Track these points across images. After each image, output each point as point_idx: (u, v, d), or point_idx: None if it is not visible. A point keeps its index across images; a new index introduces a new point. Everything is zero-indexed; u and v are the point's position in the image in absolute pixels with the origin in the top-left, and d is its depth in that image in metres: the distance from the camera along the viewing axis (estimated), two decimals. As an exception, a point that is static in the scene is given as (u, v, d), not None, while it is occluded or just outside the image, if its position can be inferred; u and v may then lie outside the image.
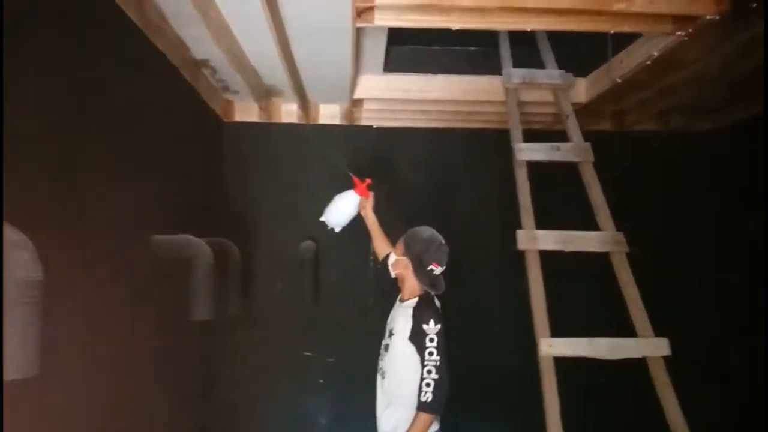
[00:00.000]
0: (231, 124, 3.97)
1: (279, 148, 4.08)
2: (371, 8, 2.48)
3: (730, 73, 3.06)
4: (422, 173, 4.09)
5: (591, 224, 2.97)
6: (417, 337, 2.35)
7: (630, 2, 2.29)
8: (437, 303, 2.53)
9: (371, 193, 2.95)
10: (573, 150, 3.08)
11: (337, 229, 3.02)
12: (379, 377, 2.56)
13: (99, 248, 2.04)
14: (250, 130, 4.00)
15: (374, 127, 4.10)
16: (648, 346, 2.55)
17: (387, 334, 2.55)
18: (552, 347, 2.54)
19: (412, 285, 2.55)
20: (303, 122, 4.06)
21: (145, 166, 2.54)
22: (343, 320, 3.99)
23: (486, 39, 3.48)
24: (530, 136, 3.21)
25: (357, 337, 3.98)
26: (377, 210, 3.00)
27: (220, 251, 3.14)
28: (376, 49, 3.13)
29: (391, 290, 3.95)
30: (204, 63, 3.30)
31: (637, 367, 2.60)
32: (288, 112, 4.07)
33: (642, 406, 2.63)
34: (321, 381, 3.94)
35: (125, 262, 2.28)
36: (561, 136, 3.43)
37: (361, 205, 2.94)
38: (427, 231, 2.58)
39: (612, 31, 2.57)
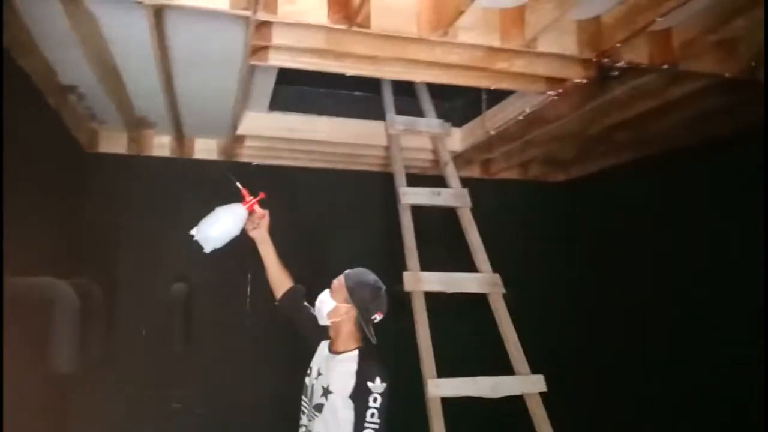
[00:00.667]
0: (96, 156, 3.68)
1: (148, 183, 3.83)
2: (266, 47, 2.46)
3: (586, 131, 3.43)
4: (303, 213, 4.05)
5: (468, 265, 3.15)
6: (359, 395, 2.08)
7: (511, 63, 2.49)
8: None
9: (266, 212, 2.49)
10: (452, 195, 3.25)
11: (208, 249, 2.41)
12: None
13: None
14: (117, 162, 3.73)
15: (253, 164, 4.01)
16: (526, 384, 2.71)
17: (318, 391, 2.22)
18: (439, 388, 2.60)
19: (349, 334, 2.24)
20: (176, 156, 3.87)
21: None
22: (216, 368, 3.77)
23: (369, 85, 3.60)
24: (409, 180, 3.34)
25: (231, 387, 3.80)
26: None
27: (83, 294, 2.85)
28: (263, 86, 3.09)
29: (269, 338, 3.85)
30: (71, 89, 3.05)
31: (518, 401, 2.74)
32: (160, 144, 3.86)
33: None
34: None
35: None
36: (436, 181, 3.62)
37: (250, 224, 2.46)
38: (370, 275, 2.28)
39: (492, 87, 2.77)
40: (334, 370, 2.18)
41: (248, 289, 3.90)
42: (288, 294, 2.48)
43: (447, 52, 2.45)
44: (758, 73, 2.41)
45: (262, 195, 2.49)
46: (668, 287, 3.52)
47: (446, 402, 2.63)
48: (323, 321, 2.27)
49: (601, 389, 3.88)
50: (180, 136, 3.76)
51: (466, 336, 3.62)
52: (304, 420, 2.30)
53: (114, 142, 3.74)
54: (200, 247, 2.43)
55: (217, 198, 3.83)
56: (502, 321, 2.89)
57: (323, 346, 2.34)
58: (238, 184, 2.49)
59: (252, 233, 2.49)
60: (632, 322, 3.75)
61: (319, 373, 2.26)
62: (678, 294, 3.44)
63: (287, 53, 2.48)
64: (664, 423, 3.39)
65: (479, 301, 3.03)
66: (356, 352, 2.20)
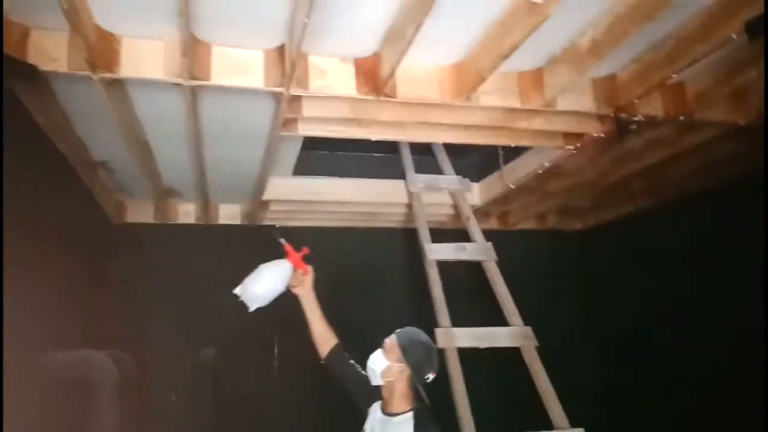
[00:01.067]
0: (124, 226, 3.76)
1: (174, 249, 3.90)
2: (296, 119, 2.57)
3: (602, 181, 3.50)
4: (327, 272, 4.08)
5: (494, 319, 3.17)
6: None
7: (530, 122, 2.59)
8: None
9: (310, 268, 2.44)
10: (477, 249, 3.30)
11: (253, 308, 2.40)
12: None
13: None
14: (144, 230, 3.81)
15: (276, 226, 4.08)
16: (566, 437, 2.69)
17: None
18: (479, 445, 2.58)
19: (404, 395, 2.19)
20: (201, 222, 3.95)
21: (35, 271, 2.30)
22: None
23: (388, 146, 3.72)
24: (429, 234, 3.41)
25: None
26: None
27: (118, 365, 2.88)
28: (289, 153, 3.20)
29: (297, 403, 3.83)
30: (102, 164, 3.16)
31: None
32: (185, 212, 3.95)
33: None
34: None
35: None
36: (455, 234, 3.68)
37: (295, 281, 2.42)
38: (422, 335, 2.27)
39: (513, 145, 2.86)
40: (399, 424, 2.15)
41: (275, 352, 3.91)
42: (334, 351, 2.41)
43: (468, 115, 2.56)
44: (770, 120, 2.49)
45: (305, 250, 2.45)
46: (684, 334, 3.51)
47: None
48: (376, 381, 2.22)
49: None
50: (205, 204, 3.85)
51: (500, 392, 3.59)
52: None
53: (141, 212, 3.84)
54: (238, 309, 2.42)
55: (240, 262, 3.94)
56: (537, 374, 2.89)
57: (375, 407, 2.29)
58: (283, 240, 2.44)
59: (296, 290, 2.44)
60: (652, 369, 3.72)
61: None
62: (693, 340, 3.43)
63: (316, 123, 2.60)
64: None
65: (511, 354, 3.03)
66: (411, 413, 2.16)
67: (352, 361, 2.39)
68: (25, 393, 2.12)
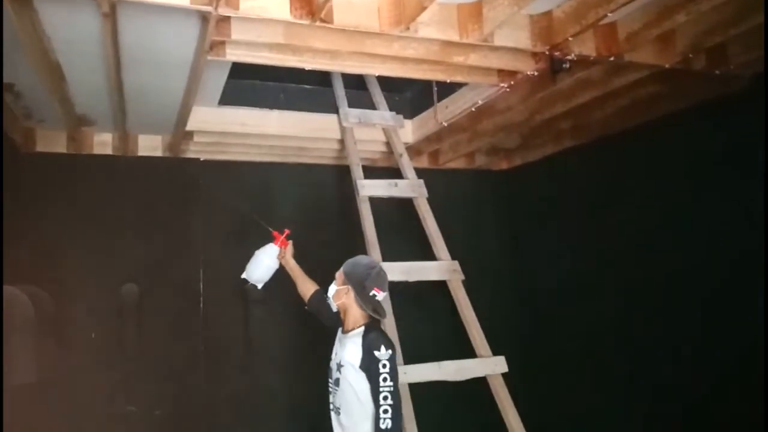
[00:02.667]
0: (34, 156, 3.49)
1: (90, 183, 3.68)
2: (223, 42, 2.42)
3: (531, 121, 3.56)
4: (256, 208, 4.00)
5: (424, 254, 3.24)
6: (369, 365, 2.24)
7: (466, 56, 2.57)
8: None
9: (289, 242, 2.85)
10: (409, 186, 3.31)
11: (260, 286, 2.89)
12: (333, 414, 2.42)
13: None
14: (56, 161, 3.56)
15: (201, 159, 3.92)
16: (488, 365, 2.82)
17: (334, 368, 2.42)
18: (406, 374, 2.66)
19: (355, 314, 2.41)
20: (119, 153, 3.73)
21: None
22: (171, 369, 3.68)
23: (319, 78, 3.61)
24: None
25: (186, 387, 3.73)
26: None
27: (33, 301, 2.73)
28: (215, 82, 3.04)
29: (222, 336, 3.81)
30: (8, 87, 2.89)
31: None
32: (101, 143, 3.71)
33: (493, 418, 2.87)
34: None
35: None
36: (387, 172, 3.68)
37: (279, 255, 2.83)
38: (365, 258, 2.54)
39: (448, 80, 2.84)
40: (345, 347, 2.37)
41: (201, 287, 3.83)
42: (313, 296, 2.70)
43: (404, 47, 2.50)
44: (694, 64, 2.59)
45: (287, 231, 2.86)
46: (606, 265, 3.72)
47: (414, 387, 2.71)
48: (333, 307, 2.50)
49: (554, 367, 4.06)
50: (123, 134, 3.62)
51: (428, 322, 3.70)
52: (330, 398, 2.45)
53: (52, 141, 3.57)
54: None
55: (161, 196, 3.79)
56: (462, 306, 2.99)
57: (339, 330, 2.52)
58: (270, 228, 2.85)
59: (282, 261, 2.84)
60: (578, 299, 3.94)
61: (336, 354, 2.46)
62: (613, 270, 3.64)
63: (245, 48, 2.47)
64: (623, 397, 3.58)
65: (439, 287, 3.12)
66: (362, 328, 2.36)
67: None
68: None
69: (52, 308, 2.98)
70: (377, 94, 3.61)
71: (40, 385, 2.87)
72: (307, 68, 2.61)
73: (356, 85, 3.75)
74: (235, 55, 2.48)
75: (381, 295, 2.38)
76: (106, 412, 3.49)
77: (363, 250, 3.13)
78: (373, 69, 2.75)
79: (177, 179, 3.88)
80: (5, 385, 2.23)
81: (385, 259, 3.02)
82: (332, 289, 2.47)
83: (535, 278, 4.33)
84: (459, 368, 2.80)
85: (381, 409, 2.17)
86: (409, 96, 3.84)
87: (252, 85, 3.48)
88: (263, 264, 2.82)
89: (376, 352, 2.23)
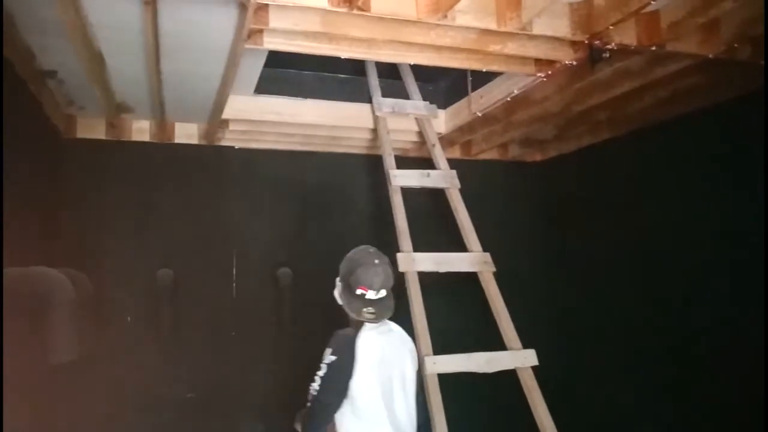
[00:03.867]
0: (74, 142, 3.58)
1: (128, 168, 3.76)
2: (261, 31, 2.44)
3: (567, 112, 3.51)
4: (290, 197, 4.05)
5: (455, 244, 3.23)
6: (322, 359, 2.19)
7: (503, 45, 2.53)
8: (368, 340, 2.19)
9: None
10: (441, 176, 3.30)
11: None
12: None
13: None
14: (96, 147, 3.65)
15: (236, 147, 3.97)
16: (518, 358, 2.80)
17: None
18: (436, 364, 2.66)
19: (349, 314, 2.24)
20: (156, 141, 3.80)
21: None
22: (204, 353, 3.76)
23: (354, 68, 3.61)
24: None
25: (219, 371, 3.80)
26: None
27: (74, 283, 2.80)
28: (251, 70, 3.07)
29: (255, 321, 3.87)
30: (51, 74, 2.96)
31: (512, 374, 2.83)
32: (139, 129, 3.79)
33: (519, 411, 2.85)
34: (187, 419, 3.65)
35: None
36: (418, 162, 3.67)
37: None
38: (359, 252, 2.29)
39: (484, 69, 2.81)
40: None
41: (234, 273, 3.89)
42: None
43: (441, 35, 2.48)
44: (739, 53, 2.51)
45: None
46: (638, 262, 3.65)
47: (443, 377, 2.70)
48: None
49: (590, 361, 4.01)
50: (161, 121, 3.69)
51: (458, 314, 3.69)
52: None
53: (92, 128, 3.66)
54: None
55: (197, 183, 3.85)
56: (493, 298, 2.97)
57: None
58: None
59: None
60: (612, 293, 3.88)
61: None
62: (648, 268, 3.57)
63: (282, 36, 2.48)
64: (652, 393, 3.53)
65: (470, 279, 3.10)
66: (342, 330, 2.24)
67: None
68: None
69: (90, 291, 3.05)
70: (411, 84, 3.60)
71: (80, 364, 2.94)
72: (343, 57, 2.60)
73: (390, 74, 3.73)
74: (272, 43, 2.49)
75: (371, 294, 2.17)
76: (143, 392, 3.58)
77: (394, 240, 3.13)
78: (409, 58, 2.74)
79: (212, 167, 3.94)
80: (47, 363, 2.31)
81: (416, 250, 3.02)
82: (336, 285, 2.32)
83: (568, 271, 4.27)
84: (489, 360, 2.78)
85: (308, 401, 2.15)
86: (443, 86, 3.81)
87: (287, 74, 3.50)
88: None
89: (324, 352, 2.16)
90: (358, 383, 2.13)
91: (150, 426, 3.59)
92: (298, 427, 2.34)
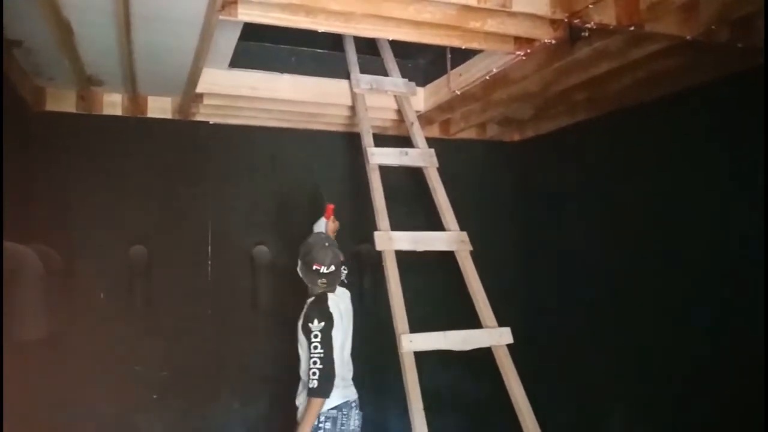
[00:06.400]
0: (43, 114, 3.47)
1: (100, 143, 3.67)
2: (235, 2, 2.37)
3: (546, 92, 3.50)
4: (266, 174, 3.99)
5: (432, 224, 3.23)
6: (306, 332, 2.65)
7: (483, 22, 2.51)
8: (332, 300, 2.75)
9: (332, 217, 3.19)
10: (420, 155, 3.28)
11: None
12: (300, 365, 2.80)
13: None
14: (66, 121, 3.54)
15: (210, 123, 3.89)
16: (494, 336, 2.82)
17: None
18: (412, 342, 2.67)
19: (309, 285, 2.82)
20: (128, 114, 3.71)
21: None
22: (178, 330, 3.72)
23: (331, 43, 3.55)
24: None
25: (193, 348, 3.77)
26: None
27: (42, 260, 2.74)
28: (226, 43, 2.99)
29: (230, 299, 3.84)
30: (16, 44, 2.85)
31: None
32: (111, 103, 3.68)
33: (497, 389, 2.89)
34: (155, 396, 3.63)
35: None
36: (397, 140, 3.64)
37: (326, 227, 3.17)
38: (313, 237, 2.89)
39: (463, 47, 2.78)
40: (303, 312, 2.77)
41: (209, 251, 3.84)
42: None
43: (420, 11, 2.45)
44: (717, 36, 2.52)
45: (331, 206, 3.20)
46: (616, 240, 3.69)
47: (419, 355, 2.72)
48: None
49: (567, 340, 4.07)
50: (133, 94, 3.60)
51: (434, 292, 3.71)
52: None
53: (62, 101, 3.54)
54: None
55: (170, 159, 3.78)
56: (469, 277, 2.98)
57: None
58: (326, 202, 3.21)
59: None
60: (586, 273, 3.93)
61: None
62: (626, 244, 3.61)
63: (258, 8, 2.42)
64: (633, 371, 3.58)
65: (447, 258, 3.11)
66: (312, 299, 2.77)
67: None
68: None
69: (61, 267, 2.99)
70: (390, 60, 3.56)
71: (50, 341, 2.90)
72: (320, 30, 2.55)
73: (369, 50, 3.68)
74: (247, 15, 2.42)
75: (325, 269, 2.72)
76: (114, 370, 3.55)
77: (372, 218, 3.12)
78: (387, 33, 2.70)
79: (186, 142, 3.87)
80: (16, 340, 2.26)
81: (393, 229, 3.01)
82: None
83: (544, 251, 4.31)
84: (465, 338, 2.80)
85: (310, 372, 2.56)
86: (422, 63, 3.78)
87: (263, 47, 3.43)
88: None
89: (310, 324, 2.62)
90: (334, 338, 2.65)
91: (122, 403, 3.56)
92: (300, 401, 2.74)
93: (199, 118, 3.86)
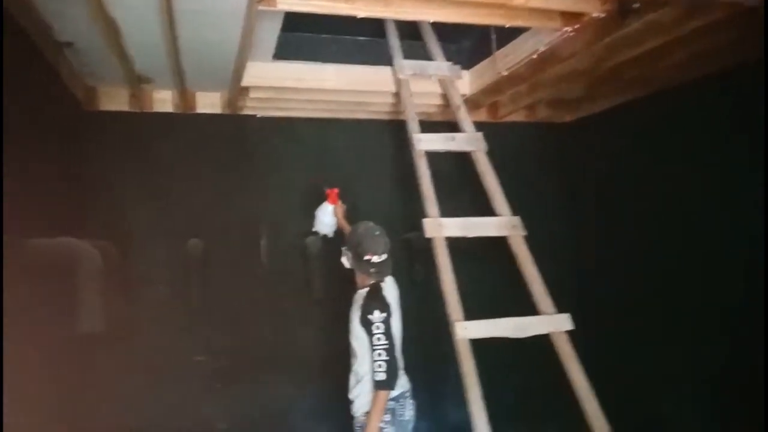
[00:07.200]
0: (97, 114, 3.57)
1: (152, 140, 3.75)
2: (275, -8, 2.36)
3: (596, 69, 3.36)
4: (314, 165, 4.00)
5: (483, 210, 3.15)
6: (365, 324, 2.61)
7: (528, -2, 2.41)
8: (386, 290, 2.74)
9: (339, 201, 3.28)
10: (467, 140, 3.20)
11: (331, 235, 3.46)
12: (352, 359, 2.79)
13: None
14: (119, 119, 3.63)
15: (257, 116, 3.92)
16: (552, 323, 2.73)
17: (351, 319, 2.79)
18: (467, 330, 2.62)
19: (360, 276, 2.79)
20: (179, 111, 3.78)
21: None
22: (235, 320, 3.79)
23: (374, 30, 3.51)
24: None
25: (251, 337, 3.83)
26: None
27: (102, 254, 2.82)
28: (268, 34, 2.99)
29: (285, 289, 3.88)
30: (67, 45, 2.93)
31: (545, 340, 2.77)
32: (161, 100, 3.75)
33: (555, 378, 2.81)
34: (218, 386, 3.71)
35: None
36: (443, 126, 3.57)
37: (334, 213, 3.29)
38: (362, 225, 2.83)
39: (507, 25, 2.69)
40: (355, 303, 2.77)
41: (262, 242, 3.89)
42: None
43: (463, -11, 2.37)
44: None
45: (336, 190, 3.34)
46: (676, 220, 3.51)
47: (474, 344, 2.66)
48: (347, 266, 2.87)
49: (624, 326, 3.93)
50: (182, 91, 3.65)
51: (487, 280, 3.63)
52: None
53: (114, 99, 3.63)
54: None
55: (221, 154, 3.83)
56: (523, 262, 2.90)
57: None
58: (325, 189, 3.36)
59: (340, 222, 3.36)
60: (641, 259, 3.77)
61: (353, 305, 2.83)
62: (685, 226, 3.44)
63: (297, -3, 2.39)
64: (691, 357, 3.43)
65: (498, 244, 3.03)
66: (366, 289, 2.72)
67: None
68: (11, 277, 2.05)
69: (119, 262, 3.07)
70: (433, 44, 3.48)
71: (109, 335, 2.99)
72: (360, 15, 2.51)
73: (411, 35, 3.62)
74: (286, 4, 2.41)
75: (377, 258, 2.69)
76: (176, 361, 3.64)
77: (420, 206, 3.07)
78: (429, 15, 2.64)
79: (236, 136, 3.91)
80: (73, 333, 2.33)
81: (443, 215, 2.96)
82: (343, 252, 2.86)
83: (596, 235, 4.16)
84: (521, 325, 2.73)
85: (376, 364, 2.55)
86: (467, 45, 3.69)
87: (305, 38, 3.41)
88: (322, 221, 3.31)
89: (369, 316, 2.59)
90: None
91: (186, 392, 3.66)
92: (354, 394, 2.74)
93: (246, 112, 3.90)
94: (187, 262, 3.61)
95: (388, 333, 2.56)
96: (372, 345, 2.57)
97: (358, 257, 2.73)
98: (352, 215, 3.38)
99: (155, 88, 3.69)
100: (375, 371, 2.55)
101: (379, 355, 2.54)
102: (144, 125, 3.71)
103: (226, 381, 3.73)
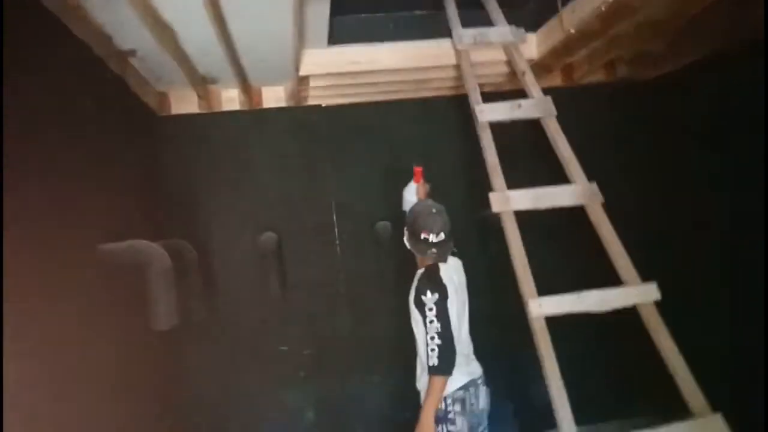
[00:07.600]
0: (169, 118, 3.70)
1: (224, 139, 3.84)
2: (316, -28, 2.30)
3: (674, 19, 3.04)
4: (381, 147, 3.95)
5: (556, 178, 2.93)
6: (419, 306, 2.49)
7: (588, -58, 2.20)
8: (445, 271, 2.58)
9: (423, 180, 3.07)
10: (534, 106, 3.01)
11: None
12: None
13: (45, 262, 1.81)
14: (190, 121, 3.74)
15: (323, 106, 3.91)
16: (637, 294, 2.51)
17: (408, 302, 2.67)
18: (542, 307, 2.46)
19: (418, 256, 2.68)
20: (246, 108, 3.84)
21: (78, 171, 2.27)
22: (314, 310, 3.83)
23: (428, 2, 3.37)
24: (484, 98, 3.11)
25: (330, 326, 3.86)
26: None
27: (176, 254, 2.91)
28: (318, 19, 2.94)
29: (360, 277, 3.86)
30: (131, 53, 3.03)
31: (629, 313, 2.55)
32: (229, 99, 3.83)
33: (639, 352, 2.59)
34: (302, 374, 3.77)
35: (73, 274, 2.04)
36: (514, 96, 3.36)
37: (417, 192, 3.04)
38: (420, 204, 2.73)
39: (568, -24, 2.47)
40: (413, 285, 2.62)
41: (336, 232, 3.89)
42: None
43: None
44: None
45: (420, 168, 3.09)
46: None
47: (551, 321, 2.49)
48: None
49: (712, 297, 3.58)
50: (246, 87, 3.71)
51: (561, 253, 3.43)
52: None
53: (185, 102, 3.73)
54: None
55: (289, 146, 3.86)
56: (604, 231, 2.68)
57: None
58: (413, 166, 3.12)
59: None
60: (739, 220, 3.39)
61: None
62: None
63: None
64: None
65: (570, 214, 2.82)
66: (422, 270, 2.61)
67: None
68: (85, 278, 2.15)
69: (196, 259, 3.17)
70: (494, 9, 3.29)
71: (192, 329, 3.10)
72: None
73: (470, 4, 3.45)
74: (332, -19, 2.34)
75: (433, 237, 2.56)
76: (260, 351, 3.73)
77: (488, 180, 2.92)
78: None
79: (303, 127, 3.93)
80: (150, 330, 2.41)
81: (510, 188, 2.79)
82: (404, 232, 2.74)
83: (686, 200, 3.80)
84: (602, 298, 2.52)
85: (429, 348, 2.41)
86: (531, 7, 3.45)
87: (358, 19, 3.33)
88: (408, 201, 3.09)
89: (423, 297, 2.46)
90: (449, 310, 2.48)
91: (271, 382, 3.77)
92: (421, 385, 2.62)
93: (311, 101, 3.90)
94: (263, 255, 3.67)
95: (441, 315, 2.41)
96: (425, 328, 2.43)
97: (414, 236, 2.61)
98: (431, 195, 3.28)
99: (222, 88, 3.77)
100: (428, 356, 2.41)
101: (432, 339, 2.40)
102: (214, 125, 3.80)
103: (310, 369, 3.78)
